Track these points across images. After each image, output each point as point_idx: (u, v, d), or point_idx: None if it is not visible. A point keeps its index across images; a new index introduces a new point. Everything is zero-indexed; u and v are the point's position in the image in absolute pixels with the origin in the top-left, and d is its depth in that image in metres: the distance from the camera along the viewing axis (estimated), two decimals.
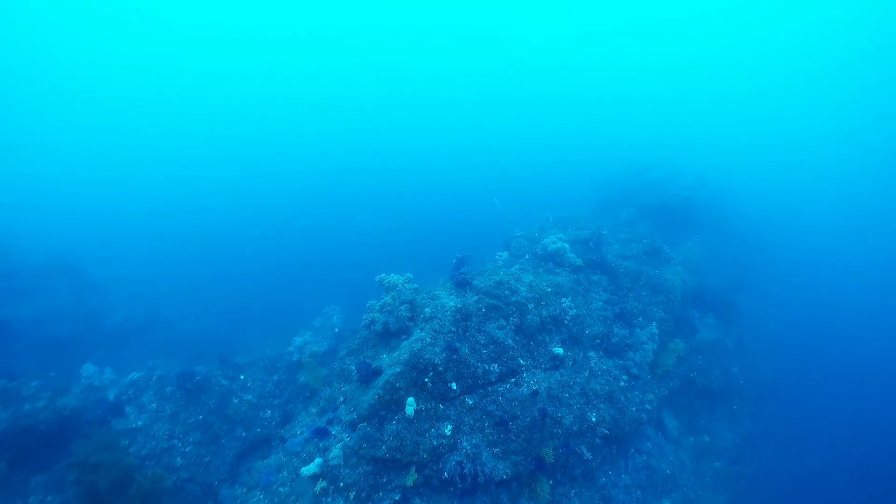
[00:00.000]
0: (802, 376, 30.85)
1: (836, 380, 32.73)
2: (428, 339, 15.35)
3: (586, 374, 18.89)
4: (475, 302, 16.82)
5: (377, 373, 15.59)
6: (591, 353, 19.69)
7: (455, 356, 15.47)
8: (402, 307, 15.94)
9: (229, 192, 61.03)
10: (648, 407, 20.83)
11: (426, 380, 15.01)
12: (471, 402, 15.36)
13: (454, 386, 15.33)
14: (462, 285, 17.45)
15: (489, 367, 16.00)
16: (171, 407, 19.32)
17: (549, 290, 18.34)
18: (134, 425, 17.70)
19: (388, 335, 16.54)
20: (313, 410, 20.57)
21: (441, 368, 15.11)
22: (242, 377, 22.70)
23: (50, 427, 16.07)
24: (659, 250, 23.20)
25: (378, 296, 17.30)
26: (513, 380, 16.27)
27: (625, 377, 20.38)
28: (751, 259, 34.37)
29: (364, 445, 14.36)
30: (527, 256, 21.36)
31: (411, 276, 16.58)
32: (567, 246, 20.82)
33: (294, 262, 41.15)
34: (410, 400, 14.67)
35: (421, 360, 14.97)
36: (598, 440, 17.81)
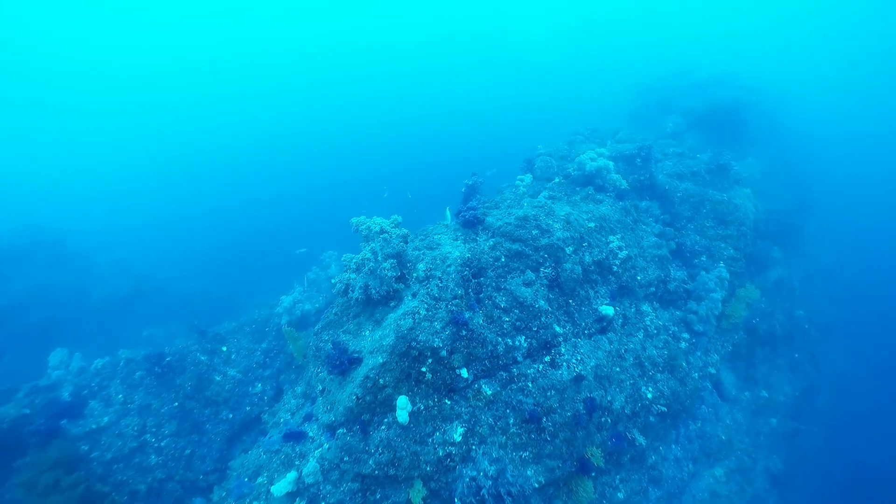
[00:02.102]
0: (871, 316, 25.49)
1: None
2: (423, 311, 9.87)
3: (640, 335, 13.62)
4: (490, 248, 11.14)
5: (355, 361, 10.34)
6: (646, 307, 14.26)
7: (464, 332, 10.09)
8: (387, 264, 10.33)
9: (220, 147, 53.95)
10: (712, 370, 15.97)
11: (423, 369, 9.80)
12: (489, 393, 10.24)
13: (464, 373, 10.12)
14: (472, 225, 11.67)
15: (513, 342, 10.68)
16: (141, 396, 15.78)
17: (592, 224, 12.53)
18: (97, 424, 14.33)
19: (373, 302, 11.11)
20: (299, 390, 16.18)
21: (444, 352, 9.80)
22: (225, 349, 18.68)
23: None
24: (726, 167, 17.00)
25: (357, 248, 11.75)
26: (547, 358, 10.96)
27: (685, 335, 15.15)
28: (812, 179, 27.83)
29: (346, 459, 9.65)
30: (556, 179, 15.35)
31: (400, 219, 10.89)
32: (611, 164, 14.71)
33: (292, 207, 35.63)
34: (402, 400, 9.56)
35: (413, 345, 9.62)
36: (652, 418, 13.02)
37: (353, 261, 10.88)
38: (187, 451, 15.00)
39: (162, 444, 14.77)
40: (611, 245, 12.86)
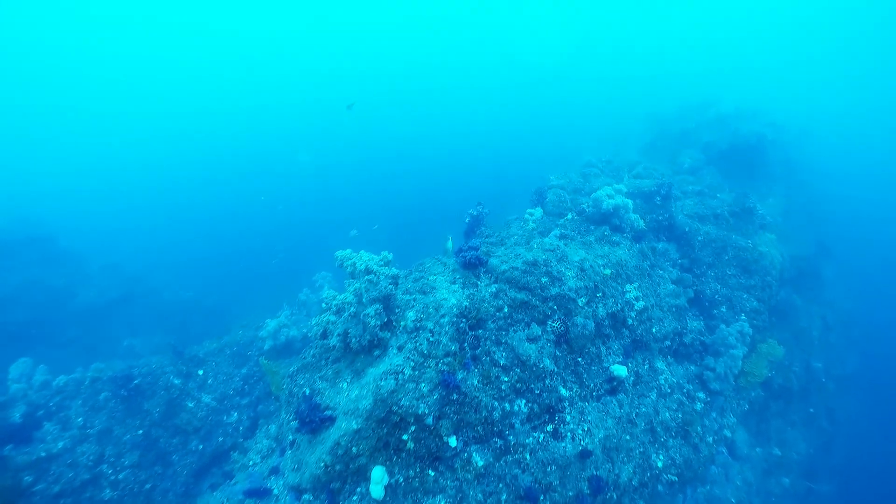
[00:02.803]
0: (891, 365, 23.65)
1: None
2: (408, 371, 8.33)
3: (653, 395, 12.04)
4: (492, 296, 9.61)
5: (327, 420, 8.81)
6: (660, 363, 12.67)
7: (455, 395, 8.54)
8: (371, 310, 8.82)
9: (221, 154, 52.44)
10: (728, 434, 14.30)
11: (405, 437, 8.23)
12: (480, 464, 8.65)
13: (453, 441, 8.54)
14: (472, 267, 10.14)
15: (512, 406, 9.11)
16: (104, 420, 14.27)
17: (608, 272, 10.99)
18: (48, 451, 12.76)
19: (354, 350, 9.58)
20: (272, 429, 14.70)
21: (430, 419, 8.24)
22: (202, 372, 17.26)
23: None
24: (751, 211, 15.45)
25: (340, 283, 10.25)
26: (549, 427, 9.37)
27: (701, 394, 13.53)
28: (830, 219, 26.19)
29: None
30: (569, 216, 13.85)
31: (390, 257, 9.39)
32: (630, 202, 13.19)
33: (294, 223, 34.16)
34: (378, 472, 7.99)
35: (395, 409, 8.07)
36: (660, 487, 11.38)
37: (335, 302, 9.36)
38: (147, 486, 13.61)
39: (120, 476, 13.31)
40: (627, 295, 11.31)
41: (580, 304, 9.93)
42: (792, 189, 25.64)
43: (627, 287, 11.42)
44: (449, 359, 8.64)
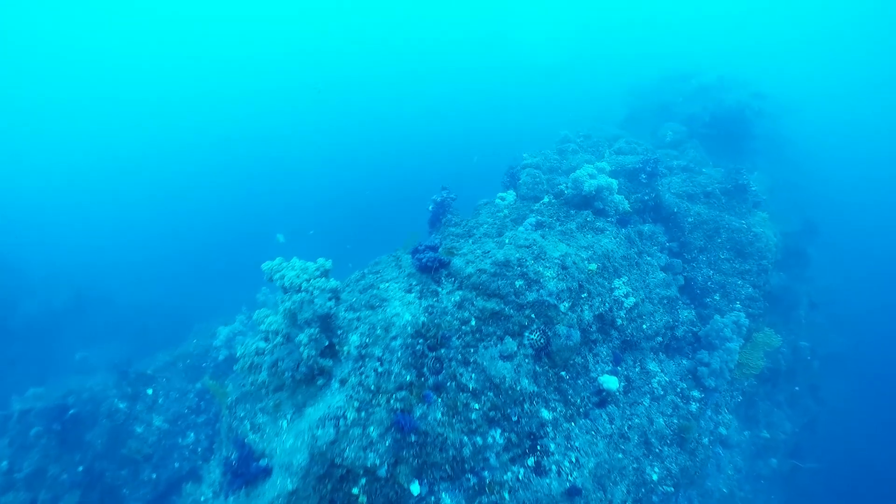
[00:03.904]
0: (876, 343, 22.72)
1: None
2: (351, 414, 6.37)
3: (646, 401, 10.43)
4: (456, 307, 7.64)
5: (262, 472, 6.86)
6: (652, 365, 10.99)
7: (413, 437, 6.64)
8: (305, 336, 6.80)
9: (178, 146, 47.87)
10: (723, 431, 12.88)
11: (355, 490, 6.32)
12: None
13: (415, 488, 6.68)
14: (430, 270, 8.12)
15: (485, 439, 7.26)
16: (36, 460, 12.39)
17: (594, 267, 9.12)
18: None
19: (293, 382, 7.55)
20: (224, 454, 12.76)
21: (384, 470, 6.34)
22: (151, 392, 15.11)
23: None
24: (745, 188, 13.73)
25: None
26: (531, 460, 7.58)
27: (696, 392, 11.96)
28: (816, 195, 24.84)
29: None
30: (545, 199, 11.89)
31: (328, 265, 7.33)
32: (614, 183, 11.27)
33: (253, 211, 31.36)
34: None
35: (338, 463, 6.14)
36: (655, 498, 9.85)
37: (263, 325, 7.28)
38: None
39: None
40: (616, 293, 9.49)
41: (562, 309, 8.05)
42: (775, 164, 24.15)
43: (616, 282, 9.59)
44: (403, 392, 6.70)
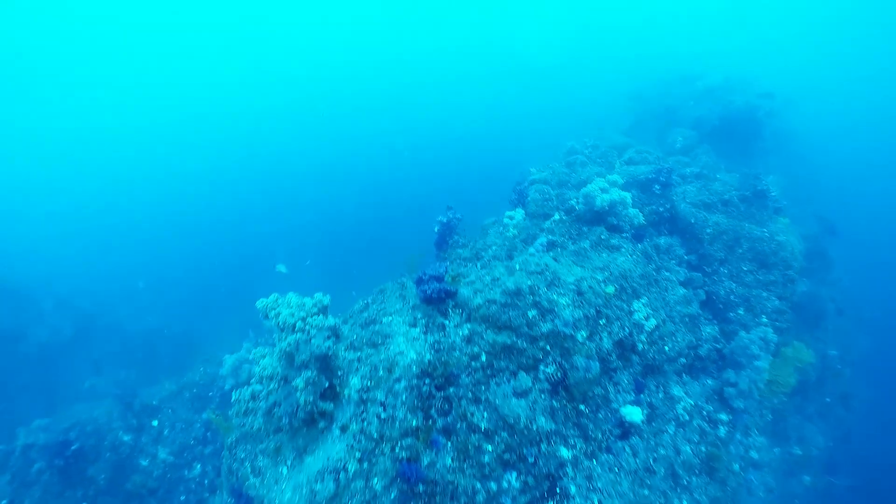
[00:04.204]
0: None
1: None
2: (352, 466, 5.77)
3: (671, 429, 9.66)
4: (465, 341, 7.05)
5: None
6: (676, 389, 10.24)
7: (420, 488, 6.01)
8: (301, 380, 6.25)
9: (184, 172, 47.61)
10: (755, 455, 12.00)
11: None
12: None
13: None
14: (435, 302, 7.53)
15: (499, 484, 6.61)
16: (36, 498, 12.07)
17: (612, 290, 8.47)
18: None
19: (292, 427, 6.98)
20: (225, 498, 12.18)
21: None
22: (156, 423, 14.64)
23: None
24: (764, 193, 13.02)
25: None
26: (550, 502, 6.90)
27: (723, 415, 11.17)
28: (831, 194, 23.92)
29: None
30: (555, 216, 11.29)
31: (326, 300, 6.82)
32: (628, 196, 10.64)
33: (265, 231, 31.04)
34: None
35: None
36: None
37: (257, 368, 6.74)
38: None
39: None
40: (636, 315, 8.82)
41: (580, 339, 7.40)
42: (787, 163, 23.29)
43: (635, 305, 8.92)
44: (409, 440, 6.08)
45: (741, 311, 11.98)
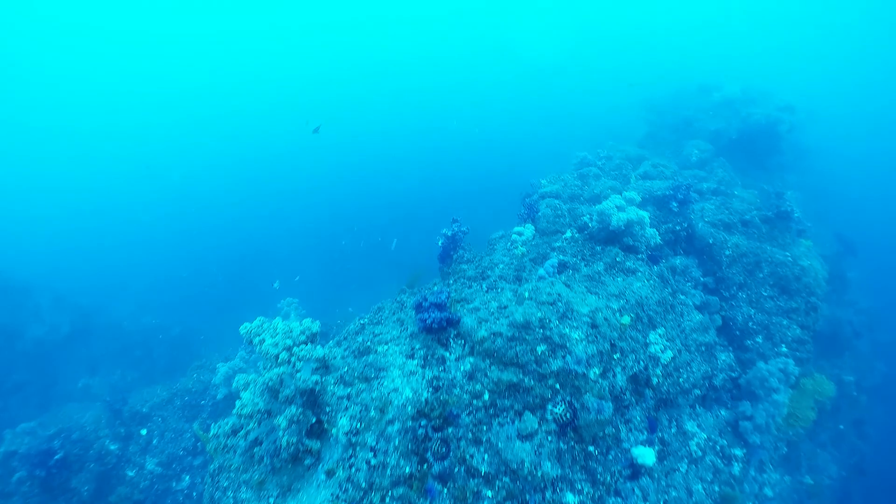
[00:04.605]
0: None
1: None
2: None
3: (684, 466, 8.94)
4: (466, 377, 6.37)
5: None
6: (690, 425, 9.52)
7: None
8: (284, 419, 5.60)
9: (187, 167, 47.01)
10: (769, 493, 11.28)
11: None
12: None
13: None
14: (435, 331, 6.85)
15: None
16: None
17: (628, 320, 7.75)
18: None
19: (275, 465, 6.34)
20: None
21: None
22: (145, 432, 14.05)
23: None
24: (788, 215, 12.22)
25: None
26: None
27: (737, 451, 10.46)
28: (848, 211, 23.03)
29: None
30: (567, 233, 10.58)
31: (315, 328, 6.18)
32: (646, 215, 9.91)
33: (264, 235, 30.38)
34: None
35: None
36: None
37: (238, 403, 6.09)
38: None
39: None
40: (652, 348, 8.10)
41: (592, 377, 6.70)
42: (804, 177, 22.39)
43: (651, 336, 8.20)
44: (401, 489, 5.42)
45: (759, 339, 11.22)
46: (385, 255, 20.48)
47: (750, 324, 11.27)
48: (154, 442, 13.80)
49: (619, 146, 19.25)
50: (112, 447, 13.08)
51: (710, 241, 11.71)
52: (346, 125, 48.42)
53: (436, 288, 7.15)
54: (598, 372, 6.81)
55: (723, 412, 10.95)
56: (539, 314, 6.64)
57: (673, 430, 9.17)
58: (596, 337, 6.91)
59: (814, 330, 11.47)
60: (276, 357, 6.09)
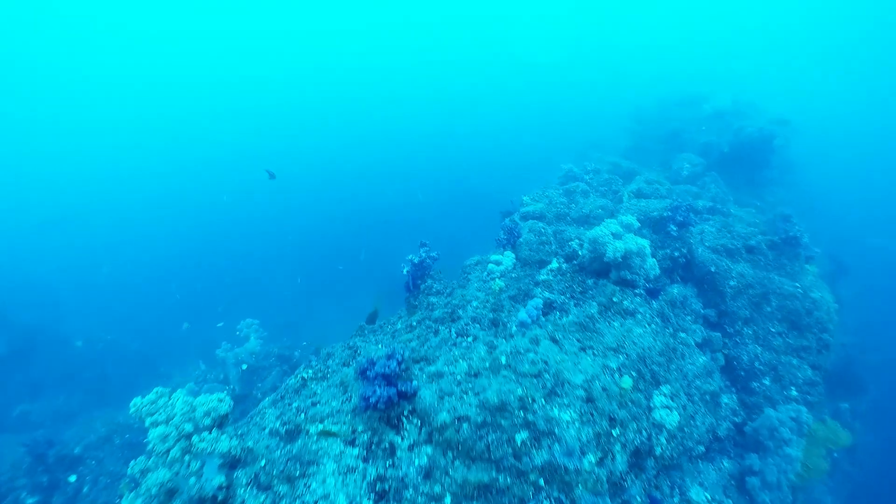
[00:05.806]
0: None
1: None
2: None
3: None
4: (422, 475, 4.64)
5: None
6: (693, 488, 7.89)
7: None
8: None
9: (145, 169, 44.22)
10: None
11: None
12: None
13: None
14: (386, 409, 5.08)
15: None
16: None
17: (629, 383, 6.07)
18: None
19: None
20: None
21: None
22: (74, 478, 11.77)
23: None
24: (796, 241, 10.78)
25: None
26: None
27: None
28: (839, 227, 21.91)
29: None
30: (554, 263, 8.93)
31: (224, 408, 4.44)
32: (646, 244, 8.30)
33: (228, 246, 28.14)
34: None
35: None
36: None
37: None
38: None
39: None
40: (656, 413, 6.45)
41: (587, 467, 5.00)
42: (792, 193, 21.18)
43: (656, 398, 6.55)
44: None
45: (767, 381, 9.71)
46: (349, 280, 18.75)
47: (756, 364, 9.74)
48: (84, 490, 11.71)
49: (605, 158, 17.75)
50: (29, 501, 10.97)
51: (713, 270, 10.17)
52: (330, 134, 46.47)
53: (385, 350, 5.38)
54: (594, 459, 5.11)
55: (725, 463, 9.37)
56: (519, 391, 4.93)
57: (675, 500, 7.56)
58: (592, 415, 5.22)
59: (825, 370, 10.01)
60: (167, 453, 4.25)
